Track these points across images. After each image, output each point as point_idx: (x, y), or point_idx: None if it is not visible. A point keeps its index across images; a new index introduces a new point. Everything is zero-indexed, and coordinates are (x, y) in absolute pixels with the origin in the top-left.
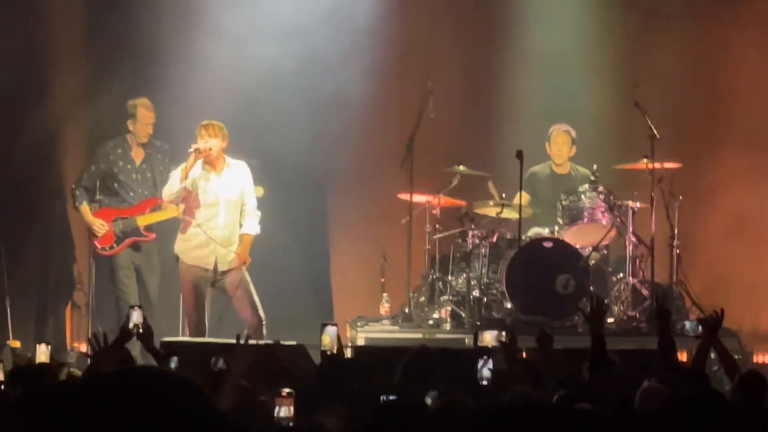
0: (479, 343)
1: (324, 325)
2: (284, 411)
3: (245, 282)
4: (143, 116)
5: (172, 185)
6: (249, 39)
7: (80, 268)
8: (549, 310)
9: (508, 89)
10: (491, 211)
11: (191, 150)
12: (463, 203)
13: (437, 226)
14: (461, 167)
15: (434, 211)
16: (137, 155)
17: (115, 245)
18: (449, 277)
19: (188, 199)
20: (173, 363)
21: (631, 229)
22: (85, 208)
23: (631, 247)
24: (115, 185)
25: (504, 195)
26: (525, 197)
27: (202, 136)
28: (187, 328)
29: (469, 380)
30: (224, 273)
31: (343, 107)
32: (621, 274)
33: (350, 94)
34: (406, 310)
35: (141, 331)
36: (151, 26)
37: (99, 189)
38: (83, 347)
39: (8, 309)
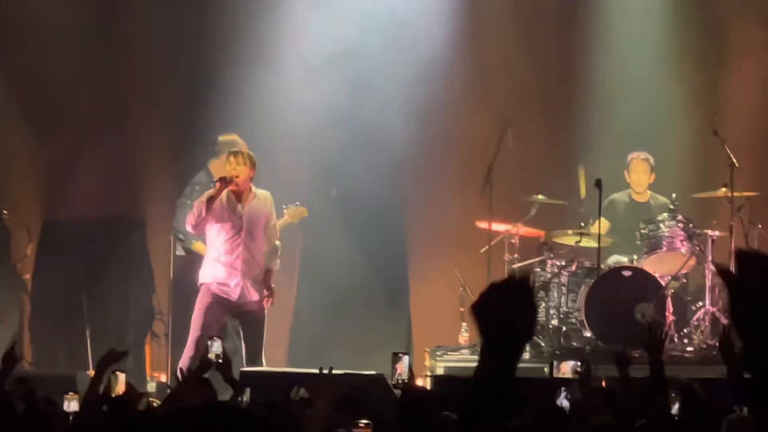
0: (556, 374)
1: (395, 355)
2: None
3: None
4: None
5: (193, 215)
6: (322, 68)
7: (159, 298)
8: (628, 339)
9: (587, 118)
10: (570, 240)
11: (216, 180)
12: (542, 233)
13: (516, 255)
14: (540, 196)
15: (513, 240)
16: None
17: None
18: None
19: (210, 228)
20: (246, 395)
21: (710, 258)
22: (198, 245)
23: (710, 276)
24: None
25: (583, 224)
26: (604, 225)
27: (230, 164)
28: (192, 353)
29: (547, 410)
30: (245, 304)
31: (421, 136)
32: (700, 303)
33: (429, 125)
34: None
35: (221, 361)
36: (219, 59)
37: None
38: (162, 377)
39: (88, 339)
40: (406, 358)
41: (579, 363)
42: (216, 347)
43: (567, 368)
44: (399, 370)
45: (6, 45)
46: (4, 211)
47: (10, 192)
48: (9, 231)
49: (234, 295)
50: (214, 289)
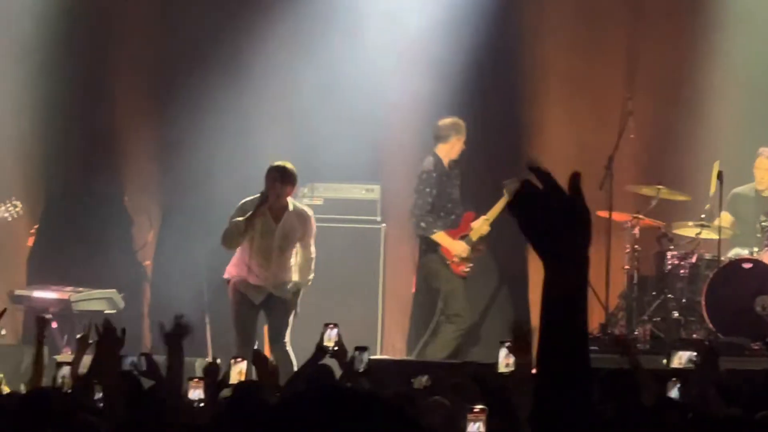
0: (672, 364)
1: (502, 344)
2: (477, 427)
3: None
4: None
5: (233, 233)
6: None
7: None
8: (748, 331)
9: (710, 108)
10: (691, 231)
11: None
12: (662, 224)
13: (636, 246)
14: (661, 188)
15: (633, 231)
16: (455, 171)
17: (471, 265)
18: (648, 298)
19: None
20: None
21: None
22: (440, 236)
23: None
24: (449, 205)
25: (703, 216)
26: (728, 219)
27: (274, 180)
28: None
29: (662, 401)
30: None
31: (541, 129)
32: None
33: (548, 117)
34: (609, 331)
35: (336, 348)
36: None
37: (438, 214)
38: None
39: (207, 325)
40: None
41: (696, 354)
42: (332, 335)
43: (684, 359)
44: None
45: (128, 29)
46: (125, 198)
47: (131, 178)
48: (130, 217)
49: (256, 302)
50: (241, 289)
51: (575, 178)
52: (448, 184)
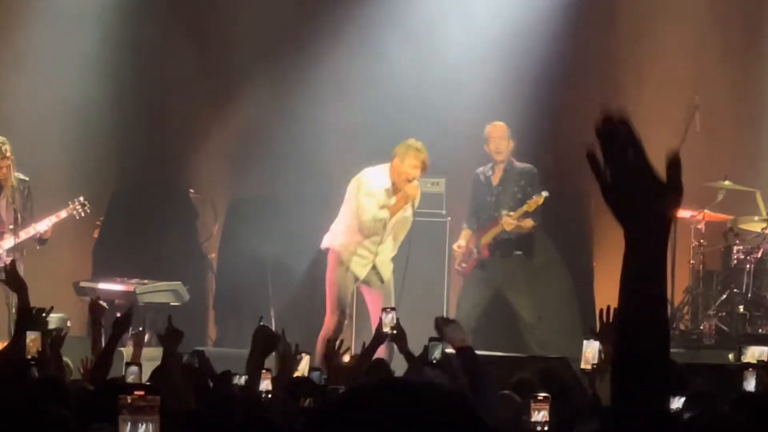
0: (743, 359)
1: (586, 340)
2: (541, 416)
3: None
4: (495, 137)
5: (370, 220)
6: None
7: None
8: None
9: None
10: (757, 226)
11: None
12: (729, 218)
13: (702, 240)
14: (726, 182)
15: (699, 226)
16: (496, 178)
17: (464, 265)
18: (713, 292)
19: None
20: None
21: None
22: (464, 232)
23: None
24: (478, 209)
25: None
26: None
27: (415, 159)
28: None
29: (736, 397)
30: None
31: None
32: None
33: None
34: (673, 326)
35: (395, 332)
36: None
37: (471, 212)
38: (346, 357)
39: (273, 319)
40: (596, 344)
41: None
42: (390, 319)
43: (756, 353)
44: (588, 356)
45: (197, 18)
46: (191, 190)
47: (198, 171)
48: (196, 210)
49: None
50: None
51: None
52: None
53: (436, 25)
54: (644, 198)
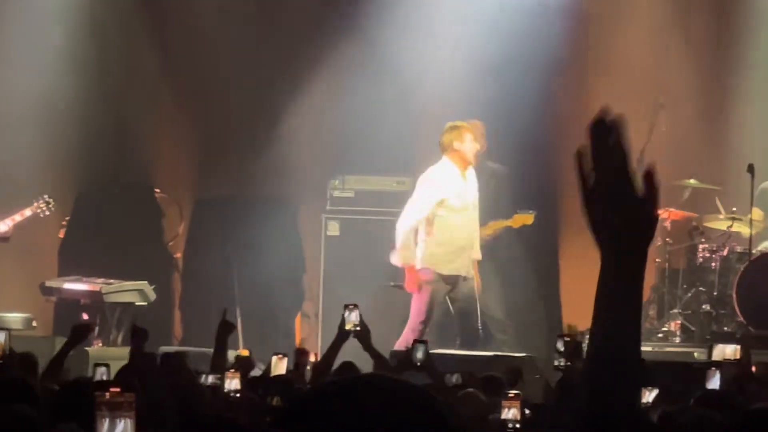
0: (714, 357)
1: (560, 337)
2: (512, 413)
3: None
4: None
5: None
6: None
7: (310, 277)
8: None
9: (740, 101)
10: (722, 224)
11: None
12: (694, 216)
13: (667, 239)
14: (692, 181)
15: (665, 224)
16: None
17: None
18: (679, 291)
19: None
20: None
21: None
22: None
23: None
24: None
25: (735, 209)
26: (759, 213)
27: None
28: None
29: (701, 395)
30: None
31: (573, 121)
32: None
33: (579, 108)
34: None
35: (358, 329)
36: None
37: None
38: (312, 357)
39: (239, 317)
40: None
41: (739, 347)
42: (353, 317)
43: (726, 351)
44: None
45: (159, 24)
46: (156, 190)
47: (163, 171)
48: (161, 210)
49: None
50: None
51: (651, 176)
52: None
53: (404, 24)
54: (622, 219)
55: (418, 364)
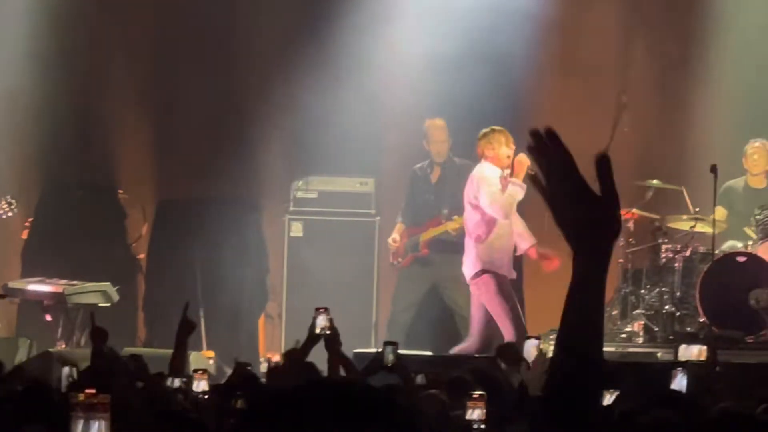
0: (680, 357)
1: (527, 339)
2: (476, 414)
3: None
4: (433, 136)
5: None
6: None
7: (274, 278)
8: (742, 325)
9: (703, 102)
10: (685, 225)
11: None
12: (657, 217)
13: (630, 239)
14: (655, 181)
15: (628, 225)
16: (435, 175)
17: (401, 260)
18: (642, 291)
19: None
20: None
21: None
22: (397, 225)
23: None
24: (416, 204)
25: (698, 209)
26: (722, 212)
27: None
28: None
29: (663, 395)
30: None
31: (536, 123)
32: None
33: (542, 111)
34: None
35: (328, 333)
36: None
37: (407, 208)
38: (276, 357)
39: (202, 318)
40: (536, 342)
41: (705, 347)
42: (322, 321)
43: (692, 352)
44: (530, 354)
45: (123, 23)
46: (120, 191)
47: (127, 172)
48: (124, 211)
49: None
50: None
51: (604, 163)
52: (424, 184)
53: (368, 24)
54: (585, 222)
55: (389, 365)
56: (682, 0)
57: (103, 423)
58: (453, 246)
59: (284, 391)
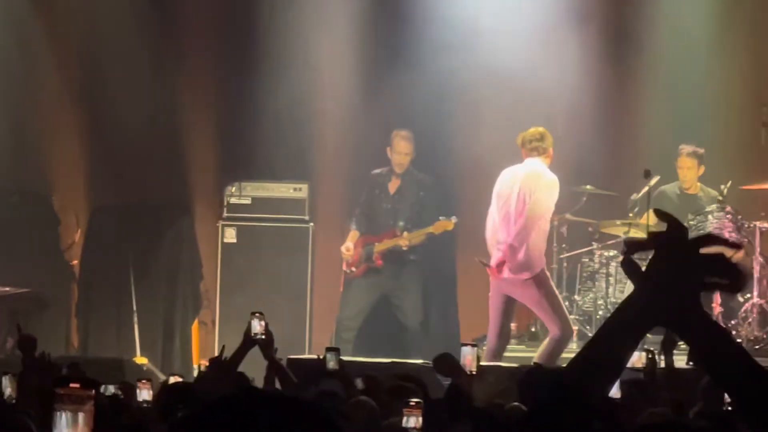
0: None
1: (463, 346)
2: (413, 421)
3: None
4: (398, 146)
5: None
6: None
7: (207, 285)
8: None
9: (636, 108)
10: (618, 230)
11: None
12: (591, 222)
13: (564, 245)
14: (589, 186)
15: (561, 230)
16: (393, 186)
17: (354, 269)
18: (576, 296)
19: None
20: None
21: (758, 250)
22: (351, 233)
23: (758, 268)
24: (372, 213)
25: (631, 214)
26: (654, 217)
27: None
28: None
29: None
30: None
31: (477, 132)
32: (748, 295)
33: (485, 123)
34: (533, 329)
35: (263, 338)
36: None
37: (362, 215)
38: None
39: (135, 325)
40: (474, 349)
41: (644, 353)
42: (259, 324)
43: (633, 358)
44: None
45: (54, 30)
46: (53, 197)
47: (58, 178)
48: (57, 217)
49: None
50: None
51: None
52: (381, 193)
53: (301, 27)
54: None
55: (331, 371)
56: (615, 9)
57: (84, 416)
58: (403, 257)
59: (213, 403)
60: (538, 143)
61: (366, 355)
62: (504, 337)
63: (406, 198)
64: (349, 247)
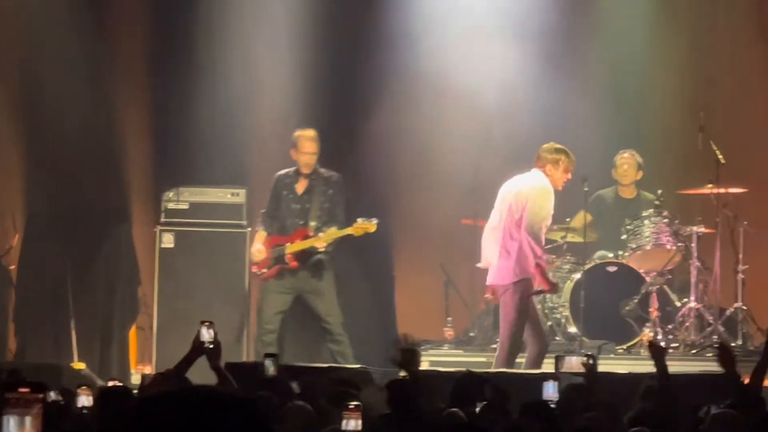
0: (562, 369)
1: (397, 347)
2: (352, 425)
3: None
4: (303, 147)
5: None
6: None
7: (145, 290)
8: (613, 334)
9: (573, 114)
10: (556, 235)
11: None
12: None
13: None
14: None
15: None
16: (300, 186)
17: (266, 270)
18: None
19: None
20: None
21: (695, 254)
22: (258, 234)
23: (695, 272)
24: (280, 214)
25: (568, 219)
26: (583, 217)
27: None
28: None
29: (534, 405)
30: None
31: (411, 139)
32: (685, 299)
33: (416, 131)
34: (471, 334)
35: (211, 347)
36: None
37: (268, 216)
38: (147, 369)
39: (73, 331)
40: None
41: (586, 358)
42: (205, 333)
43: (574, 363)
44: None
45: None
46: None
47: None
48: None
49: None
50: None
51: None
52: (288, 193)
53: (237, 31)
54: None
55: (269, 377)
56: (557, 12)
57: (29, 420)
58: (317, 258)
59: (150, 398)
60: (545, 154)
61: (287, 359)
62: (541, 336)
63: (315, 197)
64: (260, 249)
